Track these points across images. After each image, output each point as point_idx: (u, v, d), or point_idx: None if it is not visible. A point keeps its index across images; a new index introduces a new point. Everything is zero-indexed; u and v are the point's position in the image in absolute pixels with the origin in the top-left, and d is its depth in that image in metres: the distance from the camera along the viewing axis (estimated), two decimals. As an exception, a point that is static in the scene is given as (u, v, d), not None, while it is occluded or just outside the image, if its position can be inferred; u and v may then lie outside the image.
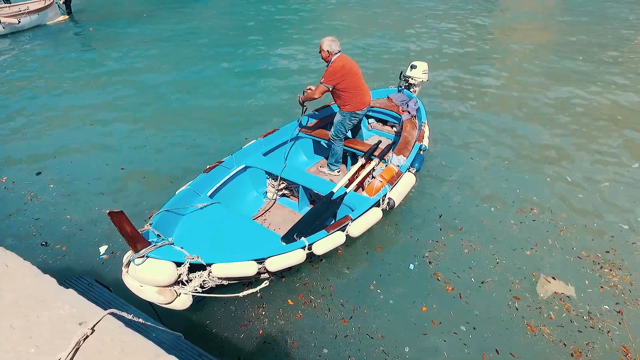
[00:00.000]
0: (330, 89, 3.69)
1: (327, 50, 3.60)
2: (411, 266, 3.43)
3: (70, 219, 3.98)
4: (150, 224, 2.70)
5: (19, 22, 10.96)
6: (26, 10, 11.24)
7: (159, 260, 2.33)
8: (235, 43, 9.99)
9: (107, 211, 2.05)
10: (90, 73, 8.08)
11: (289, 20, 12.38)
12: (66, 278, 2.93)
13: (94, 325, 1.44)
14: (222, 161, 3.61)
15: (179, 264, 2.39)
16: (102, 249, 3.59)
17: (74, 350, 1.36)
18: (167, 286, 2.39)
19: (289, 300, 3.12)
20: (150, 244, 2.37)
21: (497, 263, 3.49)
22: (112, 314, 1.50)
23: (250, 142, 3.92)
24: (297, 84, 7.41)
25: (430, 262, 3.48)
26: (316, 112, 4.59)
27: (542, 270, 3.42)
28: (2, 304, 1.52)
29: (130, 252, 2.35)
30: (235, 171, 3.66)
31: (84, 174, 4.72)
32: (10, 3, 12.18)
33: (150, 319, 2.57)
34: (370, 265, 3.46)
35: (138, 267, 2.30)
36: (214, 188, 3.45)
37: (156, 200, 4.17)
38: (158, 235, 2.59)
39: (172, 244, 2.50)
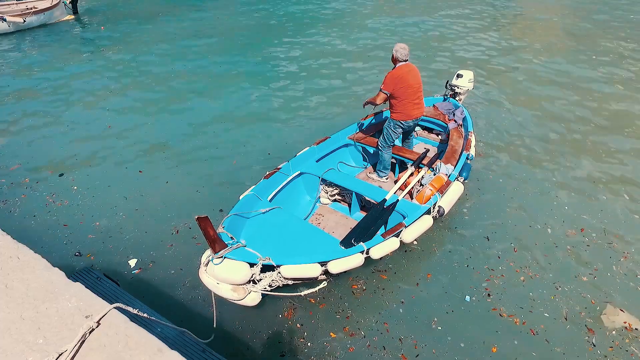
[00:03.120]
0: (388, 94, 3.80)
1: (394, 56, 3.75)
2: (467, 298, 3.19)
3: (98, 226, 3.93)
4: (223, 227, 2.95)
5: (24, 21, 11.16)
6: (32, 10, 11.46)
7: (235, 261, 2.59)
8: (261, 42, 9.80)
9: (196, 217, 2.28)
10: (101, 73, 8.01)
11: (312, 16, 12.19)
12: (75, 271, 3.00)
13: (100, 319, 1.48)
14: (280, 167, 3.83)
15: (251, 265, 2.64)
16: (132, 262, 3.49)
17: (80, 342, 1.40)
18: (241, 284, 2.63)
19: (332, 334, 2.95)
20: (227, 245, 2.59)
21: (558, 289, 3.24)
22: (117, 308, 1.54)
23: (305, 150, 4.13)
24: (333, 85, 7.33)
25: (488, 294, 3.22)
26: (365, 120, 4.75)
27: (607, 299, 3.15)
28: (14, 296, 1.58)
29: (209, 253, 2.59)
30: (291, 177, 3.88)
31: (104, 177, 4.69)
32: (19, 0, 12.34)
33: (156, 313, 2.63)
34: (425, 297, 3.21)
35: (216, 267, 2.56)
36: (273, 193, 3.68)
37: (176, 204, 4.18)
38: (231, 238, 2.83)
39: (245, 246, 2.74)
